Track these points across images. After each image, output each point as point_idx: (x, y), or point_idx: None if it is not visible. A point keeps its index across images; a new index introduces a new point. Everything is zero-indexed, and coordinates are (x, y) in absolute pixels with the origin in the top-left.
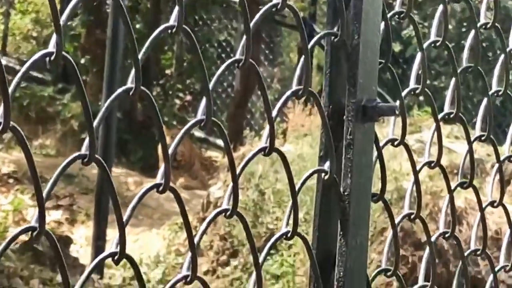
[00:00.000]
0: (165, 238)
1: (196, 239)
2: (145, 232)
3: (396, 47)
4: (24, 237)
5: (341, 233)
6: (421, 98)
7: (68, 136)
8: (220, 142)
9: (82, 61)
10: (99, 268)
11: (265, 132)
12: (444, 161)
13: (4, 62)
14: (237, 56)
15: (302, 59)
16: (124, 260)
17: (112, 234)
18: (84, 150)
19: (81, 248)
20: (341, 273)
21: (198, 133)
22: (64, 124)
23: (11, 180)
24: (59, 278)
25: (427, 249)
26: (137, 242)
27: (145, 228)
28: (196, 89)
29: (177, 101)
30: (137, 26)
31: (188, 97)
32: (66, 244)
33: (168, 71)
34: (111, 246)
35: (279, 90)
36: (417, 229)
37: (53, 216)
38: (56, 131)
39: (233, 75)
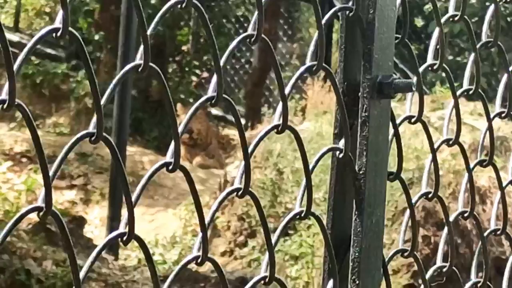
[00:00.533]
0: (182, 218)
1: (207, 219)
2: (161, 212)
3: (419, 22)
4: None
5: (356, 212)
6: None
7: (81, 114)
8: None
9: (96, 37)
10: (113, 249)
11: (278, 109)
12: (467, 139)
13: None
14: (249, 32)
15: (316, 34)
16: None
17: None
18: (91, 128)
19: (95, 229)
20: (356, 253)
21: (215, 111)
22: (78, 102)
23: (24, 160)
24: None
25: (445, 229)
26: (153, 222)
27: (161, 209)
28: (212, 66)
29: (194, 78)
30: (152, 1)
31: (205, 74)
32: (80, 224)
33: (184, 48)
34: (120, 226)
35: (298, 67)
36: (439, 208)
37: (67, 196)
38: (69, 109)
39: (251, 52)
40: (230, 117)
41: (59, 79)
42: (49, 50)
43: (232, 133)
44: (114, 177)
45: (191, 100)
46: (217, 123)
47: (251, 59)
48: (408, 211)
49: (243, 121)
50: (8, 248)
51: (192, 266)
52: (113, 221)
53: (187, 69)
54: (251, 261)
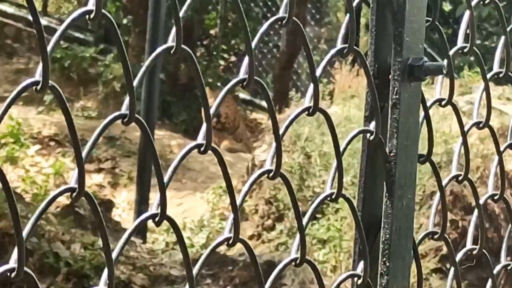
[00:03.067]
0: (209, 201)
1: (238, 201)
2: (189, 196)
3: (446, 6)
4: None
5: (386, 194)
6: (472, 58)
7: (109, 98)
8: (265, 104)
9: (125, 21)
10: (141, 233)
11: (309, 91)
12: (495, 123)
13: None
14: (280, 14)
15: (347, 17)
16: (167, 224)
17: (155, 198)
18: (124, 109)
19: (123, 212)
20: (387, 236)
21: (243, 95)
22: (106, 86)
23: (52, 143)
24: (100, 242)
25: (475, 212)
26: (181, 206)
27: (188, 192)
28: (241, 50)
29: (222, 62)
30: None
31: (233, 58)
32: (108, 208)
33: (212, 31)
34: (151, 208)
35: (326, 51)
36: (467, 193)
37: (95, 179)
38: (97, 92)
39: (279, 36)
40: (258, 101)
41: (87, 63)
42: (77, 34)
43: (260, 117)
44: (142, 160)
45: (219, 84)
46: (245, 107)
47: (279, 43)
48: (438, 194)
49: None
50: (37, 231)
51: (220, 249)
52: (141, 204)
53: (215, 53)
54: (278, 244)
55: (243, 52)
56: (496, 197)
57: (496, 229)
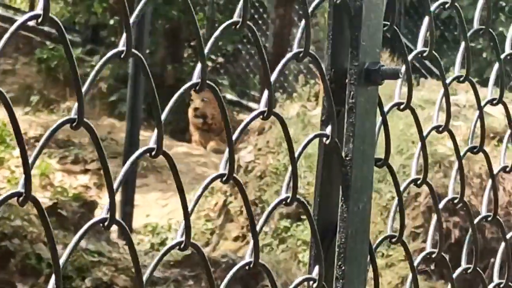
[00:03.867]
0: None
1: (190, 207)
2: (174, 197)
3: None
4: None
5: (342, 198)
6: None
7: (96, 99)
8: (253, 105)
9: (111, 22)
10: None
11: (264, 96)
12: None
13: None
14: (235, 18)
15: (302, 22)
16: (153, 226)
17: (140, 199)
18: (73, 114)
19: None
20: (343, 239)
21: (230, 96)
22: (93, 86)
23: (38, 144)
24: (83, 243)
25: (435, 217)
26: (166, 207)
27: (174, 193)
28: (228, 50)
29: (209, 63)
30: None
31: (220, 59)
32: (91, 209)
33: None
34: (101, 212)
35: (313, 52)
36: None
37: (80, 180)
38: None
39: (266, 37)
40: (245, 102)
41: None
42: None
43: (247, 118)
44: (127, 161)
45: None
46: (232, 108)
47: (266, 44)
48: (396, 198)
49: (256, 106)
50: (19, 232)
51: (205, 251)
52: (125, 205)
53: None
54: (263, 246)
55: (230, 53)
56: (456, 201)
57: (480, 230)
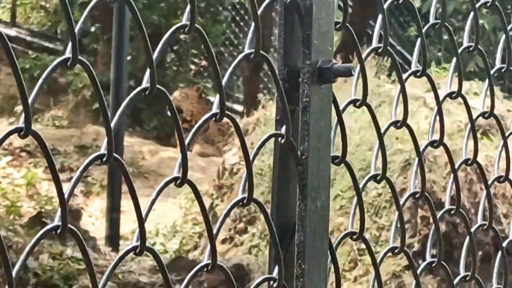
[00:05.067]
0: (182, 207)
1: (144, 213)
2: (161, 201)
3: (417, 2)
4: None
5: (300, 197)
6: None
7: (80, 107)
8: (237, 107)
9: (92, 29)
10: (114, 241)
11: (216, 98)
12: (462, 118)
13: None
14: (183, 22)
15: (253, 23)
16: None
17: (127, 205)
18: (21, 123)
19: (96, 221)
20: (301, 238)
21: (214, 99)
22: (76, 95)
23: (23, 154)
24: (69, 251)
25: (396, 214)
26: (153, 211)
27: (161, 198)
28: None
29: (192, 67)
30: None
31: (203, 62)
32: (76, 217)
33: (182, 36)
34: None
35: None
36: (436, 189)
37: (67, 188)
38: (68, 101)
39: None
40: (229, 104)
41: (56, 72)
42: (46, 44)
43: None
44: (113, 168)
45: (190, 88)
46: None
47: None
48: (355, 198)
49: (240, 107)
50: (4, 242)
51: (189, 254)
52: (112, 212)
53: (184, 57)
54: (251, 247)
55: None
56: (417, 196)
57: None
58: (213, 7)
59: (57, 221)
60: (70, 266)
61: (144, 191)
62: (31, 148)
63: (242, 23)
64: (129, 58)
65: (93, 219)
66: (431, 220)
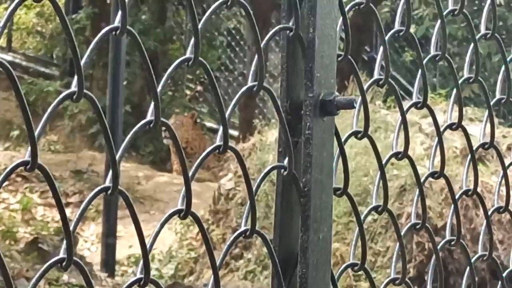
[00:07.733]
0: (177, 232)
1: (148, 245)
2: (157, 227)
3: (412, 28)
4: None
5: (302, 229)
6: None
7: (76, 132)
8: (232, 132)
9: None
10: (110, 266)
11: (220, 131)
12: (458, 144)
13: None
14: (187, 55)
15: (256, 56)
16: (136, 257)
17: (123, 230)
18: (27, 156)
19: (92, 246)
20: (304, 270)
21: (210, 124)
22: (72, 119)
23: (19, 179)
24: (65, 277)
25: (397, 245)
26: (149, 237)
27: (156, 223)
28: (206, 79)
29: (188, 92)
30: (143, 16)
31: (199, 88)
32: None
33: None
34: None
35: None
36: (432, 215)
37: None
38: (64, 126)
39: (244, 64)
40: None
41: (52, 97)
42: (42, 69)
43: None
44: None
45: (185, 114)
46: (212, 136)
47: (244, 71)
48: (357, 228)
49: (236, 132)
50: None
51: (189, 280)
52: (107, 237)
53: (180, 82)
54: (247, 273)
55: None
56: (417, 226)
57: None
58: (209, 33)
59: (62, 254)
60: None
61: (140, 217)
62: (27, 173)
63: (237, 49)
64: (124, 83)
65: (89, 244)
66: (426, 246)
